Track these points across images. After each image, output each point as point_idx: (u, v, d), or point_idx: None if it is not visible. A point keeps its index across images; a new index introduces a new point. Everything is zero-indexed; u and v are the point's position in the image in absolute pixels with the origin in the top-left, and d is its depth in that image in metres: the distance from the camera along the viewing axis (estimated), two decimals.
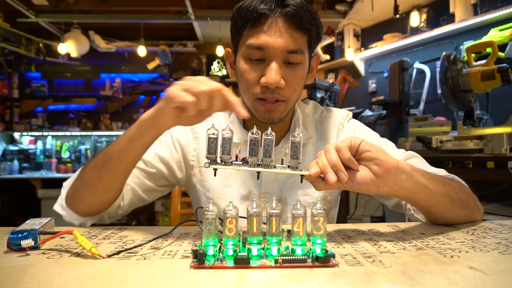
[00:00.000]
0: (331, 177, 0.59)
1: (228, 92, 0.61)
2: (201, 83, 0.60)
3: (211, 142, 0.60)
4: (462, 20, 2.62)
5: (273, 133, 0.60)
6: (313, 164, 0.62)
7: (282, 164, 0.62)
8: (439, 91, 2.80)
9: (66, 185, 0.84)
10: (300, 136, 0.60)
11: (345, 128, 0.96)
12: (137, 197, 0.88)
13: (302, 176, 0.62)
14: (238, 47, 0.83)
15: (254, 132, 0.61)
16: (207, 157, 0.61)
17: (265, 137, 0.60)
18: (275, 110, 0.82)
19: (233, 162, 0.61)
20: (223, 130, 0.60)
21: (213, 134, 0.60)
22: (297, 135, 0.60)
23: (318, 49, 3.78)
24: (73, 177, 0.84)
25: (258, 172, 0.62)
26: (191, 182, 0.94)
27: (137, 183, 0.87)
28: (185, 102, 0.60)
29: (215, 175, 0.63)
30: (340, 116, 0.97)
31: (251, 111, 0.85)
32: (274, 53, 0.77)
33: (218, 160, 0.61)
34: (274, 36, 0.76)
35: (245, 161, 0.61)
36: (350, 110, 1.06)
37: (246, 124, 0.94)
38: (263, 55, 0.78)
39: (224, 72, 4.48)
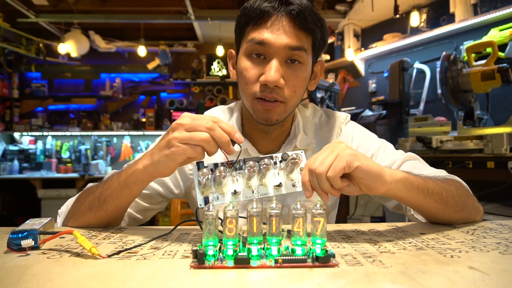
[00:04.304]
0: (324, 198, 0.61)
1: (223, 124, 0.61)
2: (197, 126, 0.59)
3: (205, 180, 0.61)
4: (462, 20, 2.62)
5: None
6: (306, 184, 0.61)
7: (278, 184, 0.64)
8: (439, 91, 2.80)
9: (62, 213, 0.83)
10: (300, 157, 0.64)
11: (343, 132, 0.95)
12: (132, 219, 0.87)
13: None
14: (240, 46, 0.82)
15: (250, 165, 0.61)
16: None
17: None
18: (274, 110, 0.79)
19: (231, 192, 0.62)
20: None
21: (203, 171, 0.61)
22: (296, 157, 0.64)
23: (323, 56, 3.78)
24: (68, 204, 0.82)
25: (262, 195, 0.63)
26: (190, 194, 0.93)
27: (132, 206, 0.85)
28: (189, 155, 0.60)
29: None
30: (339, 120, 0.96)
31: (250, 113, 0.84)
32: (275, 51, 0.76)
33: (213, 189, 0.62)
34: (276, 33, 0.75)
35: (235, 167, 0.63)
36: (350, 111, 1.06)
37: (244, 129, 0.92)
38: (264, 51, 0.77)
39: (224, 72, 4.48)
